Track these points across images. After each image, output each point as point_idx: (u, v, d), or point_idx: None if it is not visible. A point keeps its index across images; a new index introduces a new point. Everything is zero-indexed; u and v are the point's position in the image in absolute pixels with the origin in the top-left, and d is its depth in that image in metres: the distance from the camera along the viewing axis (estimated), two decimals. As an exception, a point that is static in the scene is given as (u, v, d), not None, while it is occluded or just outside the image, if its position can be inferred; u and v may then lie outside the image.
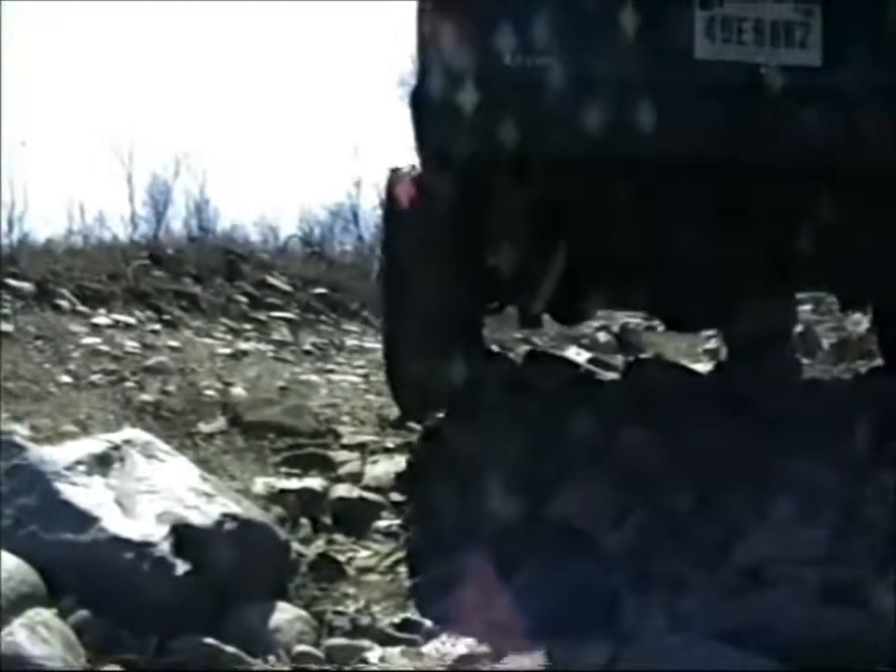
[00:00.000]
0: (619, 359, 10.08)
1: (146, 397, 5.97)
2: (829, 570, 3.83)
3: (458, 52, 4.27)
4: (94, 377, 6.32)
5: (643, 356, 10.95)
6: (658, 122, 4.13)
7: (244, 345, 8.59)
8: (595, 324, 13.03)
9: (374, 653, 3.21)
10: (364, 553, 4.44)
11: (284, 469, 5.18)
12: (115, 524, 3.54)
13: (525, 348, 9.32)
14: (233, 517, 3.75)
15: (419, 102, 4.47)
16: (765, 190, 4.58)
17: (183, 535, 3.57)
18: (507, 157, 4.39)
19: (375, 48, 43.20)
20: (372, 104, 41.58)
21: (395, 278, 5.29)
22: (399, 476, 5.15)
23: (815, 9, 4.27)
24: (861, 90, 4.26)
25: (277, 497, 4.75)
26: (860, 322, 14.00)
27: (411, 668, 3.09)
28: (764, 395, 6.09)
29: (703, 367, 8.58)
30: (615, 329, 12.88)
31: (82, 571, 3.43)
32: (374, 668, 3.23)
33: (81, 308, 8.94)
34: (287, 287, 12.26)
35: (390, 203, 5.35)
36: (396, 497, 4.98)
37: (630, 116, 4.15)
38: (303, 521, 4.65)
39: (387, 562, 4.31)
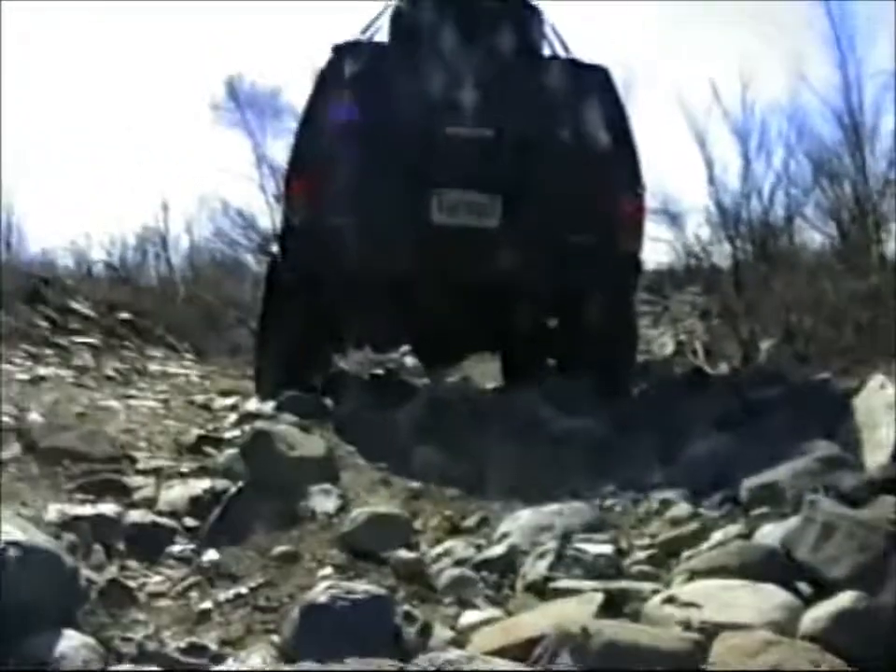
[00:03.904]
0: (424, 381, 10.18)
1: (-62, 425, 5.80)
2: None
3: (304, 214, 7.57)
4: None
5: (449, 378, 11.09)
6: (412, 256, 7.35)
7: (43, 371, 8.42)
8: (404, 348, 13.10)
9: (153, 679, 3.17)
10: (156, 579, 4.37)
11: (78, 496, 5.06)
12: None
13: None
14: (17, 545, 3.64)
15: (284, 238, 8.03)
16: (471, 293, 7.46)
17: (-36, 564, 3.48)
18: (324, 270, 7.46)
19: (187, 70, 42.69)
20: (183, 126, 41.01)
21: (268, 321, 8.12)
22: (193, 500, 5.10)
23: (497, 197, 7.53)
24: (519, 239, 7.41)
25: (70, 523, 4.63)
26: (665, 345, 14.43)
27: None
28: (554, 414, 6.25)
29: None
30: (422, 353, 12.92)
31: None
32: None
33: None
34: (91, 313, 12.07)
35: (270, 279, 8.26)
36: (190, 521, 4.92)
37: (395, 252, 7.35)
38: (96, 547, 4.54)
39: (179, 587, 4.26)
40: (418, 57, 7.90)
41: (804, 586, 3.65)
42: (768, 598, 3.54)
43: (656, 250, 16.72)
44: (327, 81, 7.88)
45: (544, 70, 8.20)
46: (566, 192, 7.56)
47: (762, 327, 10.27)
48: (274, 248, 8.88)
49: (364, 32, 8.78)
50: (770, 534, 4.09)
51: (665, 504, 4.82)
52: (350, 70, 7.86)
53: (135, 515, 4.87)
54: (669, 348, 13.58)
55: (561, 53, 8.84)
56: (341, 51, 7.97)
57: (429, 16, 8.15)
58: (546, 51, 8.84)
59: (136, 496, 5.18)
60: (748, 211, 12.52)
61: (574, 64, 8.37)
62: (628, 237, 7.85)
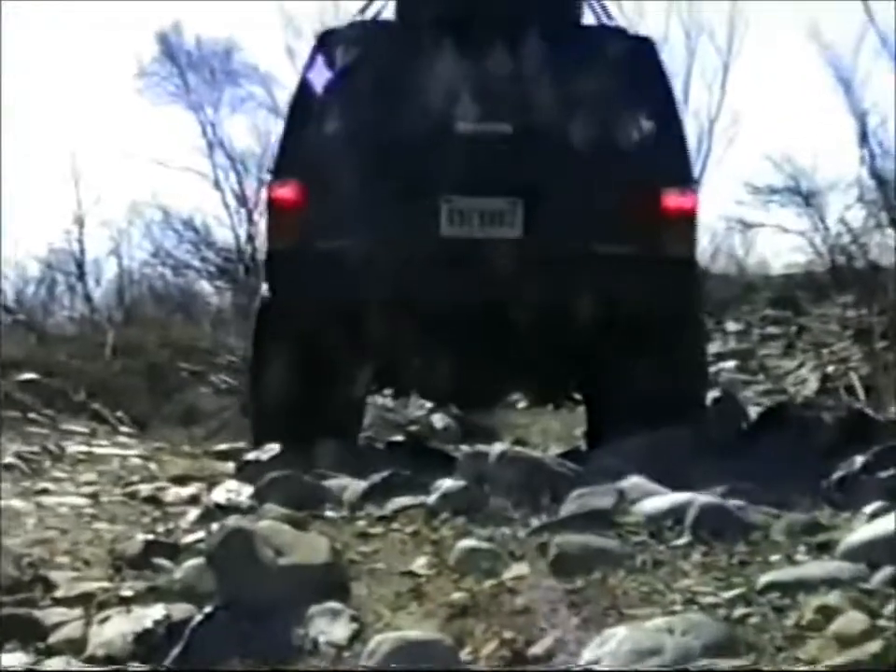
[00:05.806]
0: (461, 448, 10.22)
1: None
2: None
3: (290, 237, 8.97)
4: None
5: (498, 444, 11.09)
6: (420, 277, 8.66)
7: (-86, 463, 8.44)
8: (429, 405, 13.14)
9: None
10: (88, 761, 4.29)
11: (-32, 644, 4.98)
12: None
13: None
14: None
15: (270, 266, 9.44)
16: (488, 318, 8.66)
17: None
18: (317, 306, 8.81)
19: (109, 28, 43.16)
20: (101, 105, 41.14)
21: (262, 368, 9.20)
22: (141, 637, 4.97)
23: (518, 202, 8.84)
24: (547, 252, 8.71)
25: (-43, 689, 4.58)
26: (805, 381, 14.29)
27: None
28: (648, 486, 6.23)
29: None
30: (455, 410, 12.95)
31: None
32: None
33: None
34: (-22, 376, 12.16)
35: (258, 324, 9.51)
36: (137, 668, 4.79)
37: (401, 275, 8.64)
38: (-1, 720, 4.49)
39: None
40: (423, 39, 9.19)
41: None
42: None
43: (784, 246, 16.66)
44: (314, 74, 9.22)
45: (574, 45, 9.49)
46: (598, 191, 8.88)
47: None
48: (263, 284, 9.86)
49: (362, 11, 10.43)
50: None
51: (826, 612, 4.58)
52: (341, 59, 9.27)
53: (54, 665, 4.80)
54: (812, 384, 13.57)
55: (600, 21, 10.43)
56: (329, 38, 9.44)
57: None
58: (583, 20, 10.32)
59: (55, 637, 5.09)
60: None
61: (612, 36, 9.88)
62: (676, 240, 9.02)
